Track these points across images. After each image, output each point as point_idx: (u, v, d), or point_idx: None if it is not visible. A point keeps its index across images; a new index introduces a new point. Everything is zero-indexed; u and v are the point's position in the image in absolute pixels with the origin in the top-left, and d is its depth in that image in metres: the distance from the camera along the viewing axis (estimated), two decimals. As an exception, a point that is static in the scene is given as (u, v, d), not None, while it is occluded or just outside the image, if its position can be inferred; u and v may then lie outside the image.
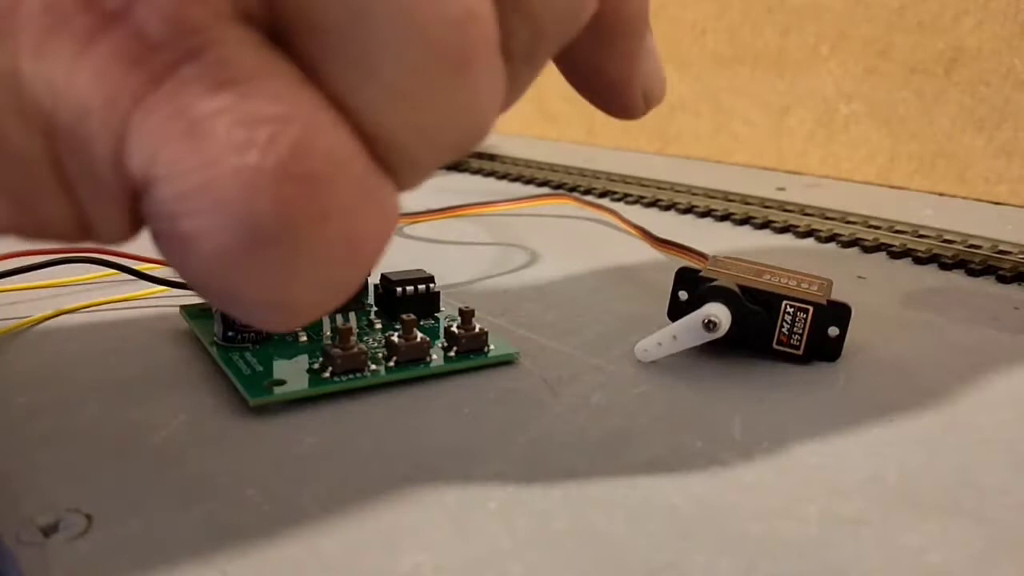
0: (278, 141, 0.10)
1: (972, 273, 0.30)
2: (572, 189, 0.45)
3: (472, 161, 0.53)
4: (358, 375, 0.20)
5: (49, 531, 0.14)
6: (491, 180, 0.49)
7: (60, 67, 0.10)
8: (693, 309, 0.21)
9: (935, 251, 0.32)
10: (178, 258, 0.11)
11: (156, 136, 0.10)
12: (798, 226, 0.36)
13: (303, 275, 0.12)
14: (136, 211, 0.11)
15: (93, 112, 0.10)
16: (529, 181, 0.47)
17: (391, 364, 0.20)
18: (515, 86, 0.13)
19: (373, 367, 0.20)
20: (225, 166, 0.10)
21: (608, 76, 0.16)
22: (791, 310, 0.21)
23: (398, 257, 0.31)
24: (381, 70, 0.11)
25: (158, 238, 0.11)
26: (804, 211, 0.39)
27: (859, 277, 0.30)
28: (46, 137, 0.11)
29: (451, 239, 0.35)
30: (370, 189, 0.12)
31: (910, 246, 0.33)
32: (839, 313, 0.22)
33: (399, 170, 0.12)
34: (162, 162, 0.10)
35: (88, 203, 0.11)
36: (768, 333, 0.21)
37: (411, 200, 0.42)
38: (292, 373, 0.20)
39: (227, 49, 0.10)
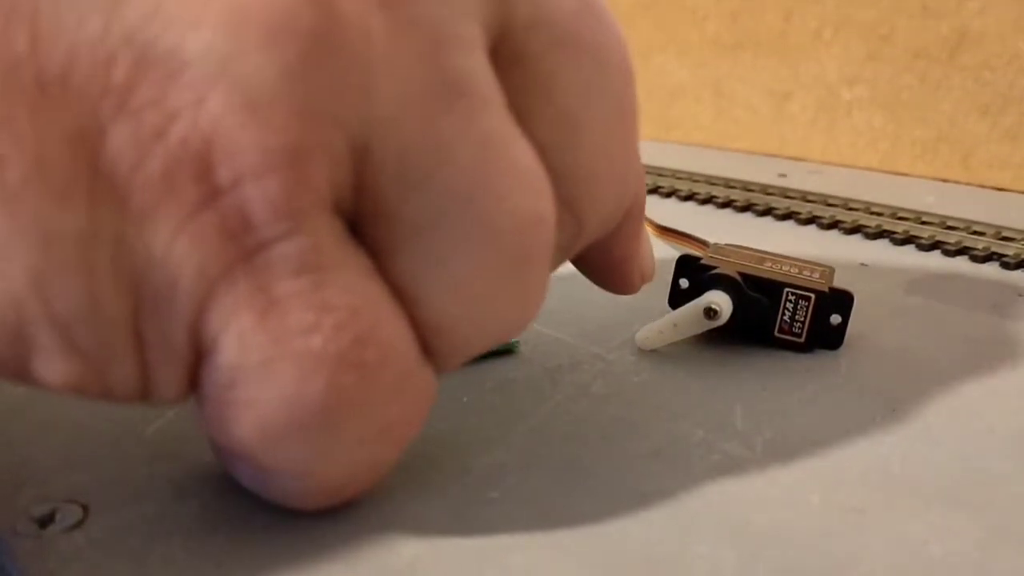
0: (343, 331, 0.11)
1: (975, 260, 0.30)
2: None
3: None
4: (357, 364, 0.20)
5: (45, 522, 0.14)
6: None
7: (163, 234, 0.10)
8: (694, 297, 0.21)
9: (938, 238, 0.32)
10: (221, 425, 0.12)
11: (234, 307, 0.11)
12: (800, 213, 0.36)
13: (335, 453, 0.12)
14: (194, 376, 0.12)
15: (184, 278, 0.11)
16: (529, 168, 0.47)
17: (390, 353, 0.20)
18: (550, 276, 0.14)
19: (372, 356, 0.20)
20: (289, 346, 0.11)
21: (614, 256, 0.17)
22: (793, 298, 0.21)
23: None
24: (450, 265, 0.12)
25: (206, 403, 0.12)
26: (806, 198, 0.38)
27: (861, 264, 0.30)
28: (133, 299, 0.11)
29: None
30: (412, 378, 0.12)
31: (913, 233, 0.33)
32: (841, 301, 0.21)
33: (442, 357, 0.13)
34: (233, 332, 0.11)
35: (155, 365, 0.11)
36: (769, 321, 0.21)
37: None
38: (290, 362, 0.20)
39: (316, 237, 0.11)
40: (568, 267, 0.18)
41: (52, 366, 0.11)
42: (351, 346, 0.11)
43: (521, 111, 0.12)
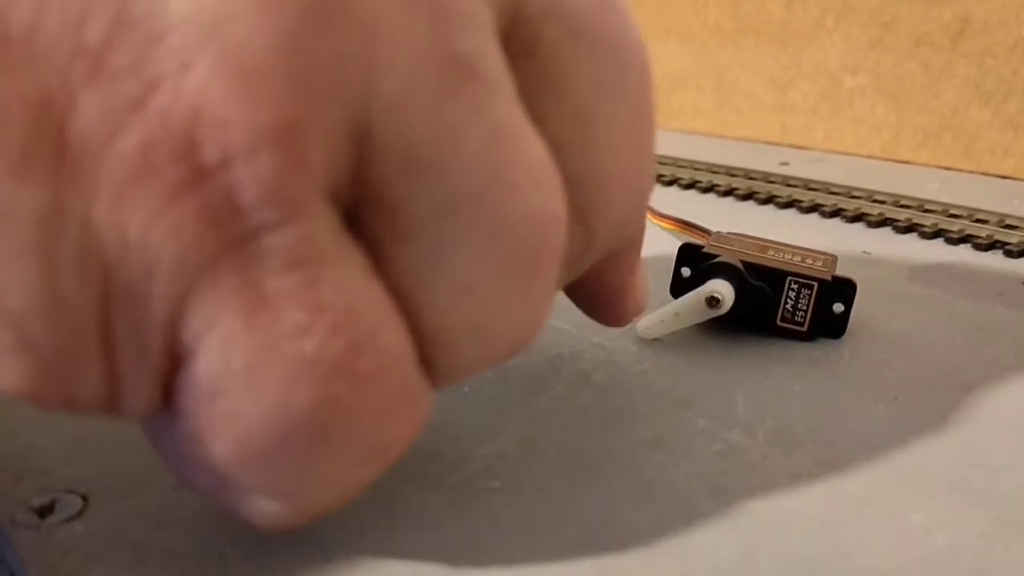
0: (338, 334, 0.10)
1: (978, 248, 0.30)
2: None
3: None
4: (357, 354, 0.19)
5: (45, 512, 0.14)
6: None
7: (137, 219, 0.09)
8: (696, 286, 0.21)
9: (941, 226, 0.32)
10: (197, 442, 0.10)
11: (218, 305, 0.10)
12: (802, 201, 0.36)
13: (324, 473, 0.11)
14: (168, 385, 0.10)
15: (161, 271, 0.09)
16: (530, 157, 0.47)
17: (390, 342, 0.20)
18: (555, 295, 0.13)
19: (372, 345, 0.20)
20: (279, 350, 0.10)
21: (609, 284, 0.16)
22: (795, 286, 0.21)
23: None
24: (455, 264, 0.11)
25: (181, 417, 0.10)
26: (808, 186, 0.38)
27: (864, 252, 0.30)
28: (101, 293, 0.09)
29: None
30: (409, 391, 0.11)
31: (916, 221, 0.33)
32: (844, 289, 0.21)
33: (440, 372, 0.12)
34: (217, 334, 0.10)
35: (125, 372, 0.10)
36: (772, 310, 0.21)
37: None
38: (290, 352, 0.19)
39: (311, 226, 0.10)
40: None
41: (5, 369, 0.10)
42: (346, 353, 0.10)
43: (533, 106, 0.11)
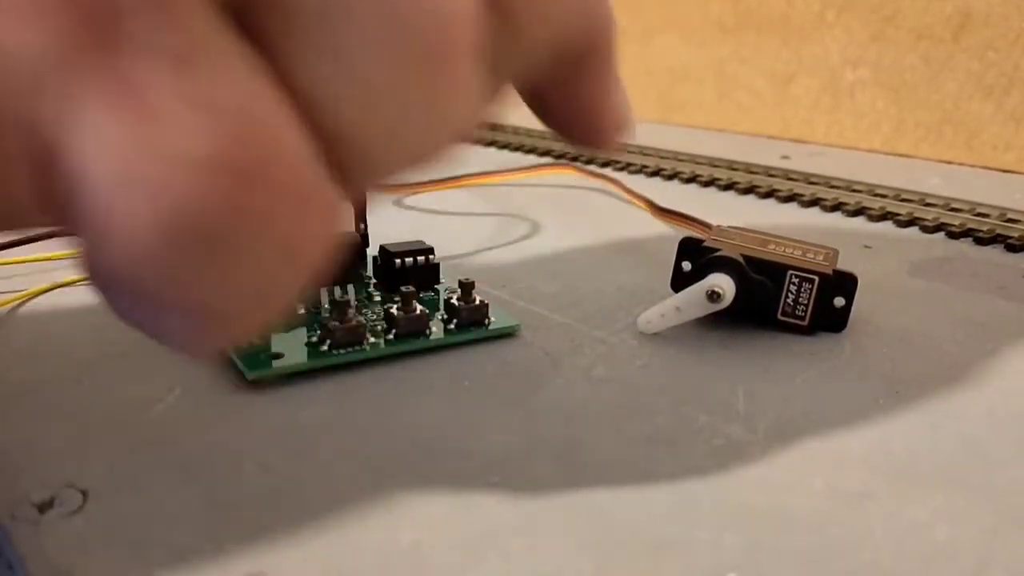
0: (226, 129, 0.10)
1: (980, 242, 0.30)
2: (574, 158, 0.44)
3: (473, 131, 0.52)
4: (357, 348, 0.20)
5: (44, 507, 0.14)
6: (492, 150, 0.48)
7: None
8: (696, 280, 0.21)
9: (942, 220, 0.32)
10: (91, 250, 0.10)
11: (85, 98, 0.09)
12: (803, 195, 0.36)
13: (232, 279, 0.10)
14: (45, 189, 0.10)
15: (20, 60, 0.09)
16: (531, 150, 0.47)
17: (390, 337, 0.20)
18: (482, 99, 0.12)
19: (372, 340, 0.20)
20: (162, 147, 0.09)
21: (579, 100, 0.15)
22: (796, 280, 0.21)
23: (397, 228, 0.31)
24: (351, 55, 0.10)
25: (72, 225, 0.10)
26: (809, 180, 0.38)
27: (865, 246, 0.30)
28: None
29: (451, 210, 0.34)
30: (314, 191, 0.11)
31: (917, 215, 0.33)
32: (845, 283, 0.21)
33: (349, 173, 0.11)
34: (87, 130, 0.09)
35: None
36: (773, 304, 0.21)
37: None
38: (290, 346, 0.19)
39: (194, 19, 0.09)
40: (569, 254, 0.18)
41: None
42: (235, 147, 0.10)
43: None
